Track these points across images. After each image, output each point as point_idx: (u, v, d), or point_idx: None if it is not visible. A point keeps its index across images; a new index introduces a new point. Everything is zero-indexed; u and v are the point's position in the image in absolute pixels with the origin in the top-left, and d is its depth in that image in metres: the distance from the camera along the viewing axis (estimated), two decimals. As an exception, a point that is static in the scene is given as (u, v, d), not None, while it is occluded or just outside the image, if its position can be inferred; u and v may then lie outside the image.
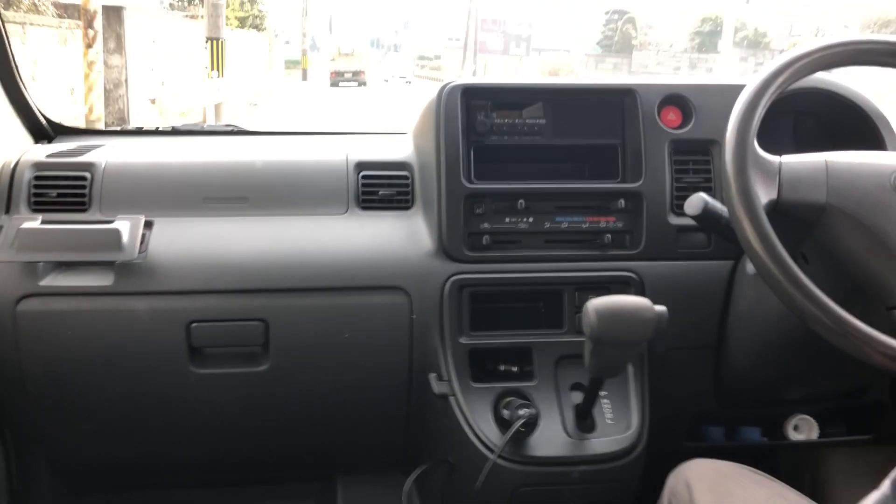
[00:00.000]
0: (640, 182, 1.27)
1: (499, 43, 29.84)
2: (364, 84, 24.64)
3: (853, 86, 1.35)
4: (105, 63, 7.85)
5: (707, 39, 30.84)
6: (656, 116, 1.30)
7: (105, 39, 7.79)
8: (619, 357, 1.05)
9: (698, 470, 1.01)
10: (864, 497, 0.71)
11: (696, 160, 1.30)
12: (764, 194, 0.98)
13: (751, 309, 1.25)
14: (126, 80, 8.43)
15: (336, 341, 1.24)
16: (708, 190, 1.27)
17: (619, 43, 33.26)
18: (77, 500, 1.45)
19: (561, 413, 1.20)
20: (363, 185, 1.32)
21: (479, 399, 1.21)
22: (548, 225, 1.27)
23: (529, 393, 1.21)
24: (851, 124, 1.33)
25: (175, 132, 1.60)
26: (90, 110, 7.26)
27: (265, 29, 20.36)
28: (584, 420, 1.20)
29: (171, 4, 14.90)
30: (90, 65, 7.21)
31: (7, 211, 1.25)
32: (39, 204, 1.25)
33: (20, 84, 1.43)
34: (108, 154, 1.32)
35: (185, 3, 15.33)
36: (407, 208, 1.32)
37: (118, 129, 1.61)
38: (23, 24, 6.84)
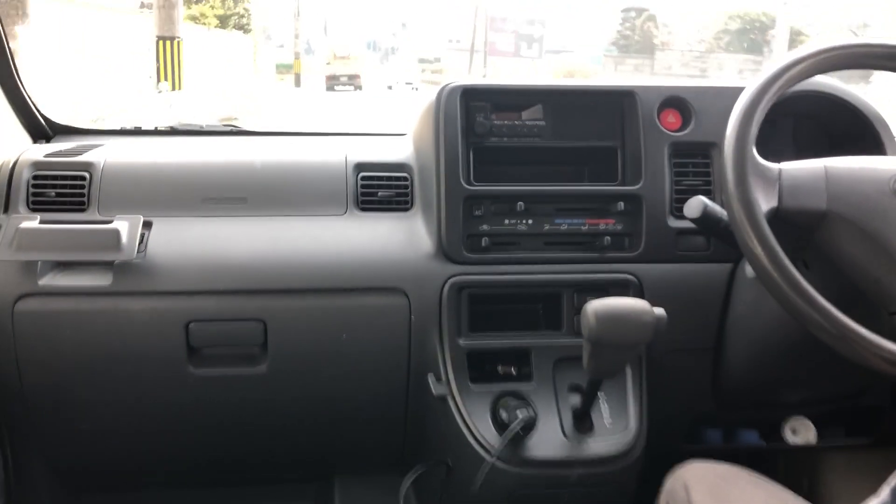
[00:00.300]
0: (640, 184, 1.27)
1: (509, 44, 27.71)
2: (360, 88, 23.62)
3: (853, 89, 1.35)
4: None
5: (735, 39, 27.28)
6: (656, 119, 1.30)
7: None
8: (618, 359, 1.05)
9: (696, 472, 1.01)
10: (862, 501, 0.71)
11: (696, 163, 1.30)
12: (764, 202, 0.98)
13: (749, 312, 1.25)
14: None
15: (334, 342, 1.24)
16: (707, 193, 1.28)
17: (639, 42, 30.06)
18: (74, 501, 1.45)
19: (559, 415, 1.20)
20: (362, 186, 1.32)
21: (477, 400, 1.21)
22: (547, 227, 1.27)
23: (528, 394, 1.21)
24: (851, 128, 1.33)
25: (174, 132, 1.60)
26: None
27: (252, 30, 18.59)
28: (583, 422, 1.20)
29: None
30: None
31: (6, 210, 1.25)
32: (38, 203, 1.25)
33: (19, 83, 1.43)
34: (106, 154, 1.32)
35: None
36: (406, 210, 1.32)
37: (117, 128, 1.61)
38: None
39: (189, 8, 14.20)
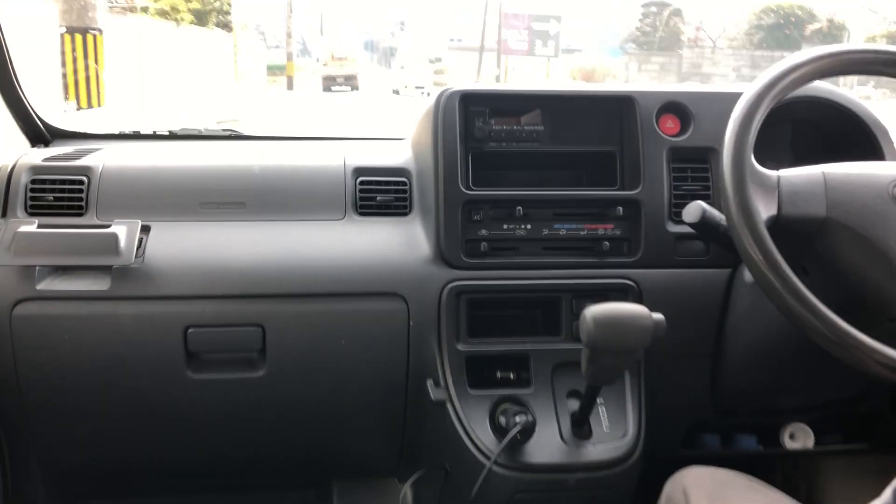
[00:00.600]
0: (639, 189, 1.28)
1: (522, 42, 24.29)
2: (357, 89, 23.10)
3: (851, 94, 1.36)
4: None
5: (769, 35, 24.59)
6: (655, 124, 1.30)
7: None
8: (617, 365, 1.05)
9: (695, 477, 1.01)
10: None
11: (695, 168, 1.30)
12: (764, 210, 0.98)
13: (748, 317, 1.25)
14: None
15: (333, 347, 1.24)
16: (706, 198, 1.28)
17: (665, 39, 27.12)
18: None
19: (557, 420, 1.20)
20: (361, 190, 1.32)
21: (475, 406, 1.21)
22: (546, 232, 1.27)
23: (526, 400, 1.21)
24: (849, 133, 1.34)
25: (172, 136, 1.60)
26: None
27: (234, 26, 15.97)
28: (581, 427, 1.20)
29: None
30: None
31: (4, 215, 1.25)
32: (36, 208, 1.25)
33: (18, 88, 1.43)
34: (105, 158, 1.32)
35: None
36: (405, 214, 1.32)
37: (115, 133, 1.61)
38: None
39: (156, 0, 12.18)
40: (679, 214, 1.21)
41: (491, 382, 1.24)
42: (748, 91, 1.02)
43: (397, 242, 1.27)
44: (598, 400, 1.19)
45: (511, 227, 1.26)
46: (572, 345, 1.24)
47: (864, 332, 0.90)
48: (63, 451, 1.32)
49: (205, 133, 1.62)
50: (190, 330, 1.20)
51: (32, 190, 1.26)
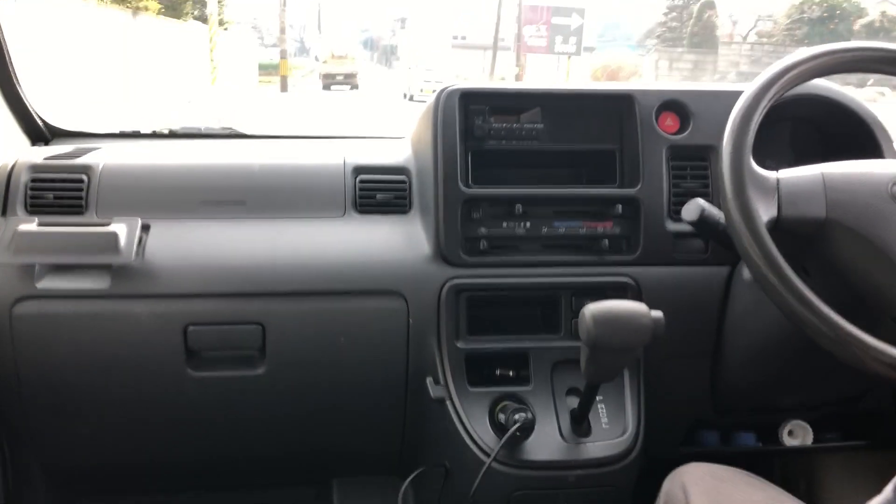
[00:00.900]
0: (638, 187, 1.28)
1: (540, 38, 21.65)
2: (356, 87, 22.56)
3: (850, 92, 1.36)
4: None
5: (814, 30, 21.82)
6: (654, 122, 1.30)
7: None
8: (616, 363, 1.05)
9: (694, 474, 1.01)
10: (860, 502, 0.71)
11: (694, 166, 1.31)
12: (764, 212, 0.97)
13: (747, 315, 1.25)
14: None
15: (333, 345, 1.24)
16: (706, 195, 1.28)
17: (698, 35, 24.14)
18: None
19: (557, 417, 1.20)
20: (360, 188, 1.32)
21: (475, 403, 1.21)
22: (545, 230, 1.27)
23: (525, 397, 1.21)
24: (848, 131, 1.34)
25: (172, 135, 1.60)
26: None
27: (229, 22, 14.80)
28: (580, 425, 1.20)
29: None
30: None
31: (3, 213, 1.25)
32: (36, 206, 1.25)
33: (17, 86, 1.43)
34: (104, 157, 1.32)
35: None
36: (404, 212, 1.32)
37: (115, 132, 1.61)
38: None
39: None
40: (678, 212, 1.21)
41: (490, 380, 1.24)
42: (746, 90, 1.02)
43: (397, 241, 1.27)
44: (598, 397, 1.19)
45: (510, 225, 1.26)
46: (571, 342, 1.24)
47: (864, 332, 0.91)
48: (63, 450, 1.32)
49: (204, 132, 1.62)
50: (190, 328, 1.20)
51: (32, 188, 1.26)
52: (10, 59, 1.40)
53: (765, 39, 24.25)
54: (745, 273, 1.24)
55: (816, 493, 1.53)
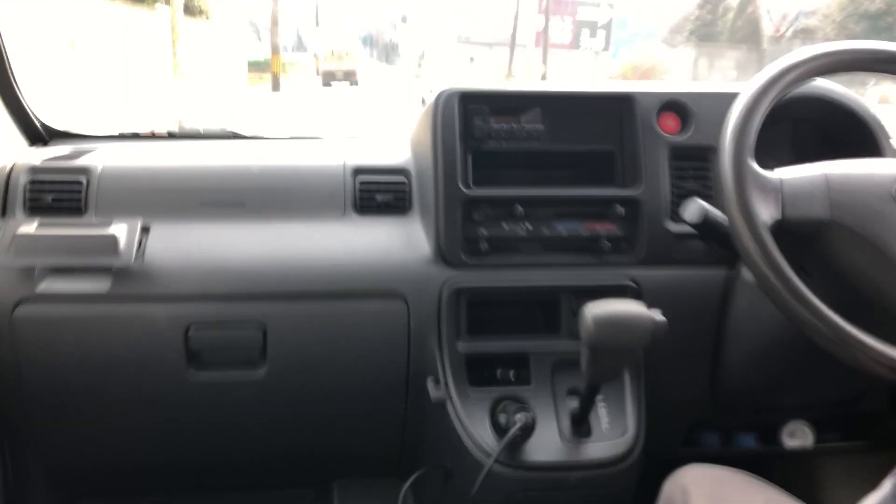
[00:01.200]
0: (639, 189, 1.27)
1: (565, 33, 19.33)
2: (356, 84, 22.18)
3: (850, 92, 1.36)
4: None
5: (873, 25, 19.03)
6: (654, 123, 1.30)
7: None
8: (616, 363, 1.05)
9: (695, 476, 1.01)
10: (859, 502, 0.71)
11: (695, 166, 1.30)
12: (766, 213, 0.97)
13: (748, 316, 1.25)
14: None
15: (333, 346, 1.24)
16: (706, 196, 1.27)
17: (741, 30, 21.96)
18: None
19: (557, 419, 1.20)
20: (360, 189, 1.32)
21: (475, 404, 1.21)
22: (546, 231, 1.27)
23: (526, 399, 1.21)
24: (849, 130, 1.33)
25: (171, 136, 1.60)
26: None
27: (206, 12, 13.03)
28: (581, 426, 1.20)
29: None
30: None
31: (3, 215, 1.25)
32: (35, 208, 1.25)
33: (15, 87, 1.42)
34: (103, 158, 1.32)
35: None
36: (404, 214, 1.32)
37: (114, 133, 1.61)
38: None
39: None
40: (679, 213, 1.21)
41: (491, 381, 1.24)
42: (745, 92, 1.01)
43: (397, 242, 1.27)
44: (598, 398, 1.19)
45: (511, 226, 1.26)
46: (572, 344, 1.24)
47: (865, 333, 0.90)
48: (64, 451, 1.32)
49: (204, 133, 1.62)
50: (191, 329, 1.20)
51: (31, 190, 1.26)
52: (8, 60, 1.40)
53: (815, 36, 20.92)
54: (746, 274, 1.24)
55: (817, 494, 1.53)
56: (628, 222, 1.28)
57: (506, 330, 1.27)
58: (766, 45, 21.87)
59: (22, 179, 1.26)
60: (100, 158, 1.32)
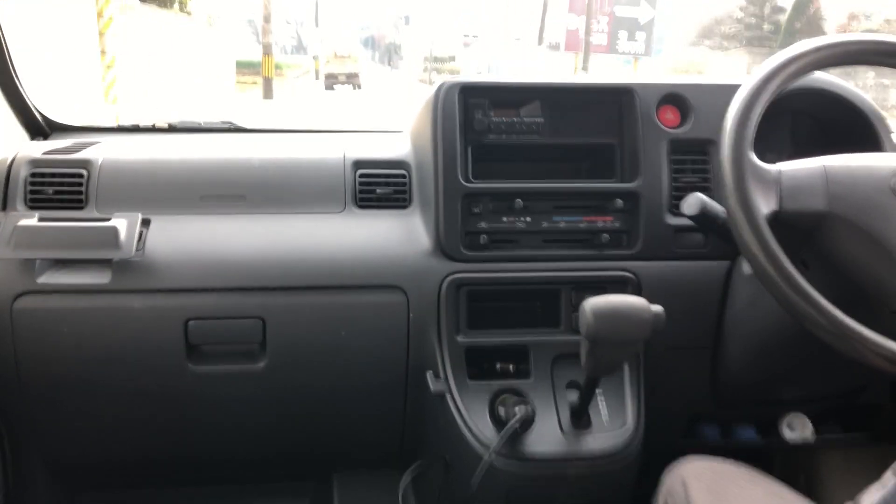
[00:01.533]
0: (638, 181, 1.27)
1: (600, 34, 16.45)
2: (359, 87, 22.13)
3: (850, 85, 1.35)
4: None
5: None
6: (654, 116, 1.30)
7: None
8: (616, 356, 1.05)
9: (694, 468, 1.01)
10: (859, 494, 0.71)
11: (695, 160, 1.30)
12: (764, 205, 0.97)
13: (747, 309, 1.25)
14: None
15: (333, 339, 1.24)
16: (706, 189, 1.27)
17: (803, 31, 18.61)
18: (73, 498, 1.45)
19: (557, 411, 1.21)
20: (360, 183, 1.32)
21: (475, 397, 1.21)
22: (545, 224, 1.27)
23: (525, 391, 1.21)
24: (849, 124, 1.33)
25: (172, 129, 1.60)
26: None
27: (176, 2, 10.87)
28: (580, 418, 1.20)
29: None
30: None
31: (3, 208, 1.25)
32: (36, 201, 1.25)
33: (16, 80, 1.42)
34: (104, 151, 1.32)
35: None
36: (404, 207, 1.32)
37: (115, 126, 1.61)
38: None
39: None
40: (678, 207, 1.21)
41: (490, 374, 1.25)
42: (746, 84, 1.01)
43: (397, 235, 1.27)
44: (598, 391, 1.20)
45: (510, 219, 1.26)
46: (572, 336, 1.24)
47: (864, 325, 0.91)
48: (64, 444, 1.32)
49: (204, 126, 1.62)
50: (190, 322, 1.20)
51: (32, 183, 1.26)
52: (9, 53, 1.40)
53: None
54: (745, 267, 1.24)
55: (816, 486, 1.53)
56: (628, 215, 1.28)
57: (505, 323, 1.27)
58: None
59: (23, 172, 1.26)
60: (100, 151, 1.32)
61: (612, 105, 1.31)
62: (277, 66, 15.88)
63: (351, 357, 1.26)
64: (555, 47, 17.85)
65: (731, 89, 1.06)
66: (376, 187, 1.32)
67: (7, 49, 1.39)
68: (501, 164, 1.30)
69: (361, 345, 1.25)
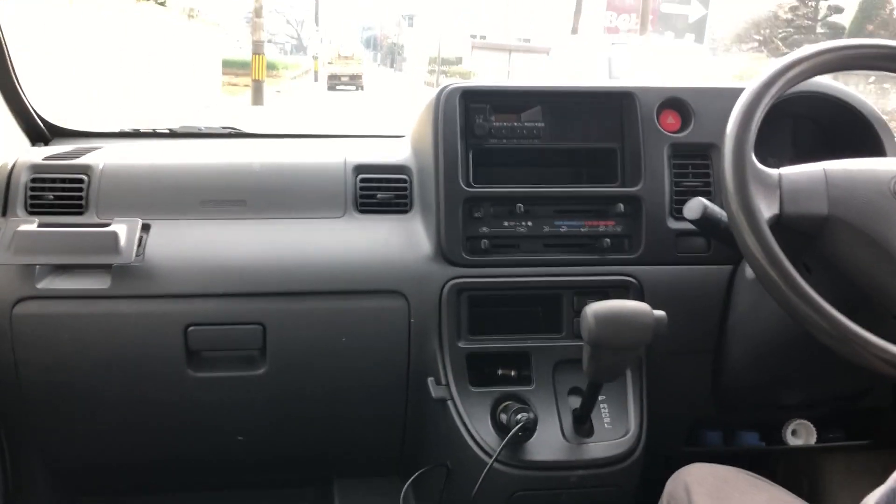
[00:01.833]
0: (639, 186, 1.27)
1: (637, 33, 13.92)
2: (362, 88, 21.90)
3: (851, 89, 1.35)
4: None
5: None
6: (655, 120, 1.30)
7: None
8: (618, 362, 1.05)
9: (697, 474, 1.01)
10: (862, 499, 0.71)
11: (696, 164, 1.30)
12: (766, 209, 0.97)
13: (750, 313, 1.25)
14: None
15: (334, 345, 1.24)
16: (707, 194, 1.27)
17: (874, 34, 15.44)
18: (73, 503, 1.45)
19: (559, 417, 1.20)
20: (361, 188, 1.32)
21: (477, 403, 1.21)
22: (547, 229, 1.27)
23: (527, 397, 1.21)
24: (850, 128, 1.33)
25: (172, 135, 1.60)
26: None
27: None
28: (582, 424, 1.20)
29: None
30: None
31: (4, 214, 1.25)
32: (36, 206, 1.25)
33: (17, 85, 1.42)
34: (104, 156, 1.32)
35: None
36: (405, 212, 1.31)
37: (115, 131, 1.61)
38: None
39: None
40: (680, 211, 1.21)
41: (492, 380, 1.24)
42: (748, 88, 1.01)
43: (398, 240, 1.27)
44: (600, 397, 1.19)
45: (512, 224, 1.26)
46: (573, 342, 1.24)
47: (867, 330, 0.90)
48: (64, 449, 1.32)
49: (205, 131, 1.62)
50: (190, 328, 1.20)
51: (32, 189, 1.26)
52: (10, 58, 1.40)
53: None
54: (748, 271, 1.23)
55: (819, 492, 1.52)
56: (629, 220, 1.28)
57: (507, 328, 1.27)
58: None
59: (23, 178, 1.26)
60: (100, 157, 1.32)
61: (613, 109, 1.31)
62: (272, 67, 14.13)
63: (351, 363, 1.25)
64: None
65: (732, 93, 1.05)
66: (377, 192, 1.31)
67: (8, 53, 1.39)
68: (502, 168, 1.30)
69: (362, 350, 1.25)
